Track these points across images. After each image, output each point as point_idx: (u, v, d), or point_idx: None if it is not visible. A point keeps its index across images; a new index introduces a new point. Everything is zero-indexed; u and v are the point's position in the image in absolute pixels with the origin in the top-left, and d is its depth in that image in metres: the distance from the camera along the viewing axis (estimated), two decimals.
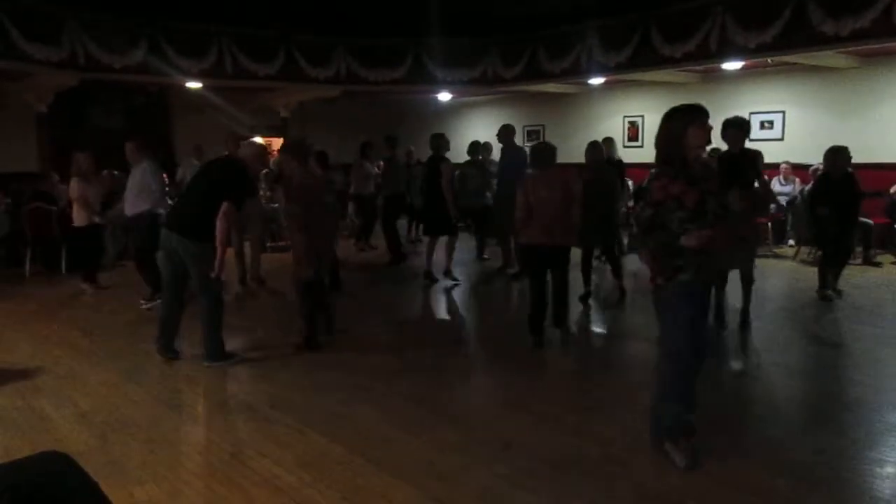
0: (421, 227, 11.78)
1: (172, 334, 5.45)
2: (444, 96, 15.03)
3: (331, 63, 12.84)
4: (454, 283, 8.46)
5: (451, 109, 16.30)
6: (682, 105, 3.57)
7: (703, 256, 3.43)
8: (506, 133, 8.88)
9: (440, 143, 8.58)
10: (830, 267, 7.26)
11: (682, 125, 3.45)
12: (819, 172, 7.75)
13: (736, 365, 5.46)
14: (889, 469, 3.55)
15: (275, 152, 15.42)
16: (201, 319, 5.33)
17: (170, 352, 5.42)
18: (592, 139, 7.97)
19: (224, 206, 4.97)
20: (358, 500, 3.25)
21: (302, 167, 5.86)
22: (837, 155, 7.12)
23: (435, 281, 8.50)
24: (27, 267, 9.34)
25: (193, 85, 12.34)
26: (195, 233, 5.09)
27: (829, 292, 7.15)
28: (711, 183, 3.55)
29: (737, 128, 5.92)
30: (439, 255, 8.67)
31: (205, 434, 4.26)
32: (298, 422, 4.20)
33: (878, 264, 9.19)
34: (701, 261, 3.43)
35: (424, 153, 11.93)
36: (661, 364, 3.68)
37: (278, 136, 15.73)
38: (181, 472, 3.59)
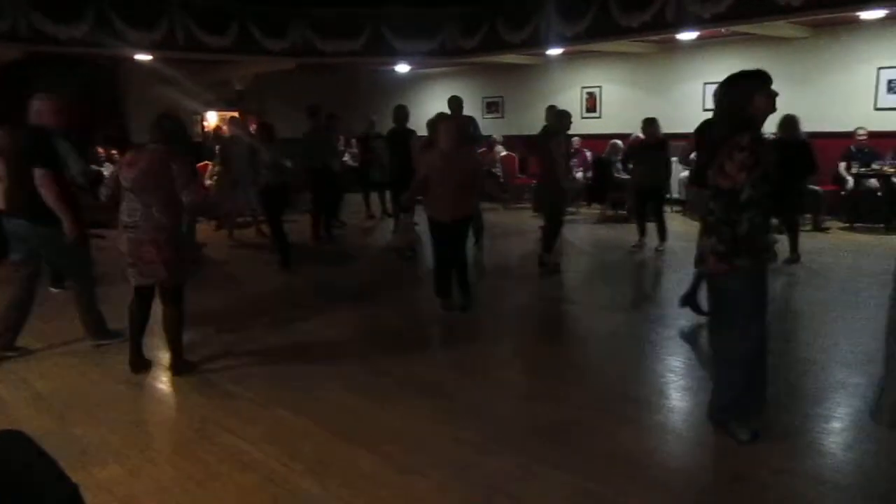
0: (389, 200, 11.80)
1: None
2: (403, 68, 14.88)
3: (286, 34, 12.58)
4: (412, 254, 8.50)
5: (410, 81, 16.16)
6: (746, 70, 3.40)
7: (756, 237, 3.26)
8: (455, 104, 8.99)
9: (403, 114, 8.58)
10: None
11: (749, 91, 3.31)
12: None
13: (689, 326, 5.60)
14: (836, 424, 3.71)
15: (223, 127, 15.15)
16: (76, 303, 5.20)
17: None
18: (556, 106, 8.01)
19: (42, 173, 4.69)
20: (324, 471, 3.27)
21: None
22: (787, 124, 7.28)
23: (412, 253, 8.50)
24: None
25: (144, 58, 11.98)
26: (40, 215, 4.77)
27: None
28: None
29: None
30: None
31: (167, 412, 4.23)
32: (263, 397, 4.19)
33: (826, 230, 9.49)
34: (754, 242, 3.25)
35: (387, 126, 11.86)
36: (731, 351, 3.46)
37: (234, 110, 15.43)
38: (144, 450, 3.56)
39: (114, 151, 11.94)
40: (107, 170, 11.22)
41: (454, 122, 6.13)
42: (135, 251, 4.45)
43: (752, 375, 3.42)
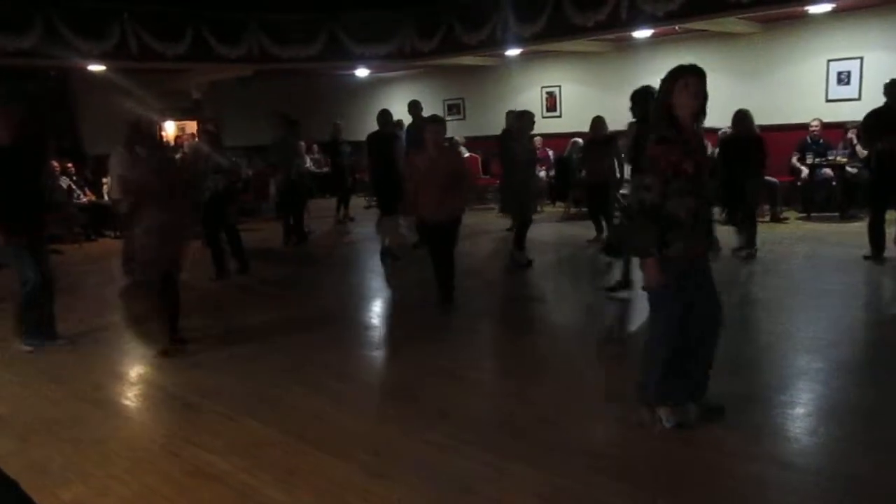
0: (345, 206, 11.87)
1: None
2: (362, 72, 14.80)
3: (242, 41, 12.39)
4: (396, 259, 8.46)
5: (371, 85, 16.08)
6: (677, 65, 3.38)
7: (693, 227, 3.26)
8: (413, 108, 9.21)
9: (386, 119, 8.59)
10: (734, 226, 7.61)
11: (669, 84, 3.28)
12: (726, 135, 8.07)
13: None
14: (799, 410, 3.79)
15: (184, 136, 14.95)
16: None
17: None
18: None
19: None
20: (294, 481, 3.23)
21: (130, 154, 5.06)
22: (743, 117, 7.45)
23: (397, 258, 8.38)
24: None
25: (96, 68, 11.71)
26: None
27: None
28: (702, 153, 3.39)
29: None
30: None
31: (132, 428, 4.13)
32: (229, 408, 4.12)
33: (784, 220, 9.72)
34: (688, 233, 3.26)
35: (350, 131, 11.83)
36: (650, 339, 3.59)
37: (191, 119, 15.20)
38: (109, 468, 3.47)
39: (69, 164, 11.67)
40: (63, 183, 10.97)
41: (441, 125, 6.09)
42: (161, 249, 4.89)
43: (673, 362, 3.45)
